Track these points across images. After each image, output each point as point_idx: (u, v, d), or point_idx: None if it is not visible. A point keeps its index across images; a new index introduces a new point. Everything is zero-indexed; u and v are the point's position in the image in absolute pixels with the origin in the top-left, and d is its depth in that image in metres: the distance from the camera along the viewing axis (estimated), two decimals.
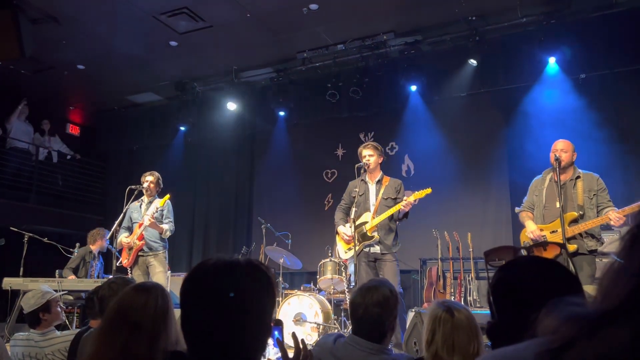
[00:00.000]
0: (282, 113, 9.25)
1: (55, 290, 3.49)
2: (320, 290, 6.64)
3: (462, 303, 6.56)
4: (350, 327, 5.85)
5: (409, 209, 5.03)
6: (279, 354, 1.64)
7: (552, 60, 7.23)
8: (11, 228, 6.86)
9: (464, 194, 8.16)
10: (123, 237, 5.96)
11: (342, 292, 6.46)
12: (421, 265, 7.69)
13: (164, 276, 5.88)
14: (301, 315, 6.11)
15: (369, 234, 5.08)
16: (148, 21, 7.31)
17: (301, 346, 1.62)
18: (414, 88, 8.19)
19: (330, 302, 6.37)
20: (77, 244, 7.32)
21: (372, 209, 5.16)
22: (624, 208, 4.20)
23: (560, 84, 7.41)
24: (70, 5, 6.96)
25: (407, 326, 4.79)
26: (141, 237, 5.84)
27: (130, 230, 6.07)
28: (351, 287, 5.98)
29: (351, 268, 5.72)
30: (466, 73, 7.71)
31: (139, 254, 5.90)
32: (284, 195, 9.48)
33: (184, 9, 7.01)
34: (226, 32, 7.67)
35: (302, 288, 7.04)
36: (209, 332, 1.19)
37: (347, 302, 6.01)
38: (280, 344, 1.58)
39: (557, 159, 4.48)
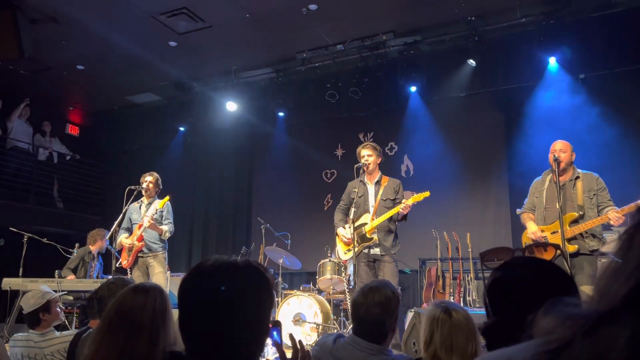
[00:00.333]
0: (281, 113, 9.24)
1: (55, 291, 3.49)
2: (319, 290, 6.64)
3: (461, 303, 6.58)
4: (349, 328, 5.86)
5: (408, 212, 5.04)
6: (277, 355, 1.64)
7: (551, 60, 7.23)
8: (11, 228, 6.86)
9: (463, 194, 8.17)
10: (123, 238, 5.96)
11: (342, 293, 6.46)
12: (420, 265, 7.69)
13: (163, 277, 5.88)
14: (300, 315, 6.11)
15: (368, 235, 5.09)
16: (147, 21, 7.31)
17: (298, 347, 1.62)
18: (413, 88, 8.20)
19: (329, 302, 6.36)
20: (77, 244, 7.32)
21: (372, 210, 5.17)
22: (623, 207, 4.21)
23: (559, 84, 7.41)
24: (69, 6, 6.96)
25: (405, 326, 4.79)
26: (141, 239, 5.84)
27: (129, 231, 6.07)
28: (351, 287, 5.98)
29: (350, 268, 5.72)
30: (465, 73, 7.71)
31: (139, 255, 5.90)
32: (284, 196, 9.48)
33: (183, 9, 7.01)
34: (225, 33, 7.66)
35: (301, 288, 7.04)
36: (207, 333, 1.19)
37: (347, 302, 6.01)
38: (277, 345, 1.58)
39: (556, 160, 4.47)
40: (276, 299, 6.93)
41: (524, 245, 4.75)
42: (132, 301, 1.64)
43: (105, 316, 1.65)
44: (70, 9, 7.03)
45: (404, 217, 5.11)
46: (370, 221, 5.12)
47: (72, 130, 11.38)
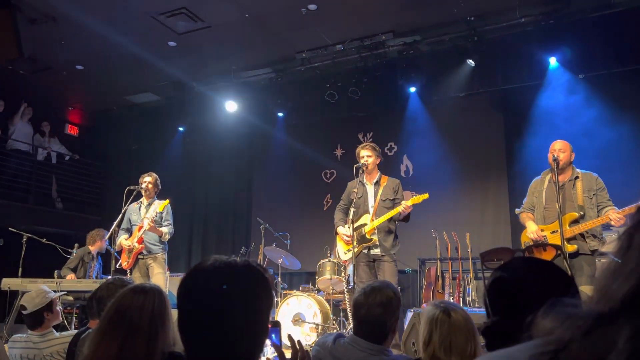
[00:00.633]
0: (280, 113, 9.24)
1: (55, 291, 3.48)
2: (319, 290, 6.64)
3: (461, 303, 6.58)
4: (349, 328, 5.86)
5: (409, 213, 5.04)
6: (275, 354, 1.64)
7: (550, 60, 7.24)
8: (10, 228, 6.86)
9: (463, 194, 8.17)
10: (123, 240, 5.96)
11: (341, 293, 6.46)
12: (420, 265, 7.69)
13: (163, 278, 5.89)
14: (300, 315, 6.11)
15: (367, 236, 5.09)
16: (147, 21, 7.31)
17: (297, 347, 1.62)
18: (412, 89, 8.20)
19: (329, 302, 6.36)
20: (76, 245, 7.32)
21: (371, 210, 5.17)
22: (624, 208, 4.20)
23: (558, 84, 7.42)
24: (68, 6, 6.95)
25: (405, 326, 4.79)
26: (141, 241, 5.85)
27: (129, 232, 6.07)
28: (350, 287, 5.98)
29: (350, 269, 5.72)
30: (465, 73, 7.71)
31: (139, 256, 5.92)
32: (283, 196, 9.48)
33: (182, 9, 7.01)
34: (225, 33, 7.66)
35: (300, 288, 7.04)
36: (207, 333, 1.19)
37: (346, 302, 6.01)
38: (276, 347, 1.58)
39: (555, 160, 4.47)
40: (275, 299, 6.93)
41: (523, 245, 4.75)
42: (131, 302, 1.64)
43: (104, 317, 1.65)
44: (70, 9, 7.02)
45: (406, 217, 5.11)
46: (370, 222, 5.12)
47: (72, 130, 11.38)
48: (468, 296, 6.78)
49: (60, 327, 5.12)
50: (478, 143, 8.19)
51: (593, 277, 4.37)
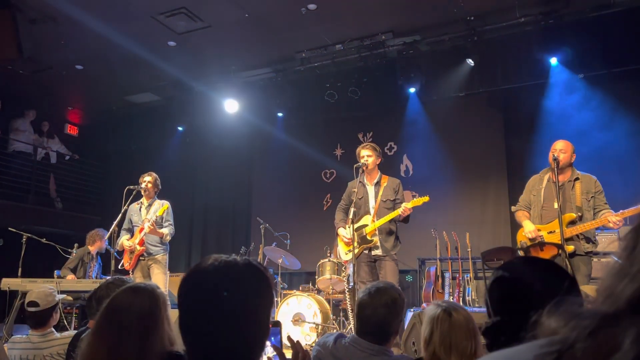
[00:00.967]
0: (280, 113, 9.24)
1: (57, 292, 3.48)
2: (319, 290, 6.64)
3: (461, 303, 6.58)
4: (349, 327, 5.86)
5: (408, 214, 5.04)
6: (276, 353, 1.64)
7: (550, 60, 7.23)
8: (9, 229, 6.85)
9: (463, 193, 8.17)
10: (124, 240, 5.98)
11: (341, 292, 6.46)
12: (420, 264, 7.69)
13: (163, 278, 5.90)
14: (300, 315, 6.11)
15: (368, 237, 5.09)
16: (146, 21, 7.30)
17: (298, 348, 1.61)
18: (412, 89, 8.19)
19: (329, 302, 6.36)
20: (76, 245, 7.32)
21: (372, 211, 5.16)
22: (623, 211, 4.21)
23: (558, 84, 7.42)
24: (68, 6, 6.94)
25: (405, 326, 4.78)
26: (142, 242, 5.88)
27: (131, 232, 6.10)
28: (350, 287, 5.98)
29: (350, 268, 5.72)
30: (464, 73, 7.71)
31: (140, 258, 5.95)
32: (283, 196, 9.48)
33: (182, 9, 7.00)
34: (225, 32, 7.66)
35: (300, 288, 7.04)
36: (207, 333, 1.18)
37: (346, 302, 6.01)
38: (277, 349, 1.58)
39: (556, 159, 4.47)
40: (275, 299, 6.93)
41: (518, 244, 4.74)
42: (121, 301, 1.64)
43: (98, 317, 1.65)
44: (70, 9, 7.02)
45: (406, 219, 5.11)
46: (371, 223, 5.12)
47: (71, 130, 11.38)
48: (468, 296, 6.78)
49: (60, 327, 5.12)
50: (478, 143, 8.20)
51: (589, 276, 4.38)
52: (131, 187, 5.96)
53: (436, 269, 7.10)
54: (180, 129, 10.04)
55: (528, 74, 7.43)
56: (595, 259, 5.49)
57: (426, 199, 5.05)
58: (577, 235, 4.39)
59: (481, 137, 8.20)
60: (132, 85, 9.53)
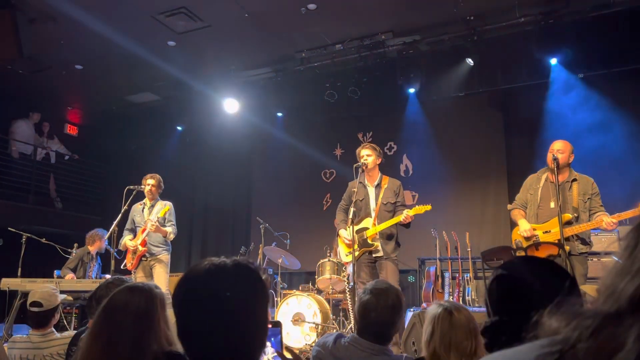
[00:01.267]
0: (280, 113, 9.23)
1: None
2: (318, 290, 6.64)
3: (460, 302, 6.57)
4: (349, 327, 5.86)
5: (410, 221, 5.05)
6: (276, 354, 1.64)
7: (550, 59, 7.23)
8: (9, 229, 6.85)
9: (462, 193, 8.17)
10: (127, 240, 6.03)
11: (341, 292, 6.46)
12: (419, 264, 7.69)
13: (164, 278, 5.92)
14: (300, 315, 6.11)
15: (369, 241, 5.08)
16: (146, 21, 7.30)
17: (297, 355, 1.62)
18: (412, 89, 8.18)
19: (328, 302, 6.36)
20: (76, 244, 7.32)
21: (373, 214, 5.16)
22: (619, 214, 4.21)
23: (558, 84, 7.42)
24: (68, 5, 6.94)
25: (405, 326, 4.78)
26: (144, 243, 5.93)
27: (133, 232, 6.15)
28: (350, 287, 5.98)
29: (350, 268, 5.72)
30: (464, 73, 7.71)
31: (142, 258, 5.99)
32: (283, 195, 9.48)
33: (182, 8, 7.00)
34: (224, 32, 7.65)
35: (300, 288, 7.04)
36: (203, 336, 1.19)
37: (346, 302, 6.01)
38: (279, 353, 1.58)
39: (555, 159, 4.47)
40: (275, 299, 6.93)
41: (513, 243, 4.75)
42: (117, 301, 1.64)
43: (96, 316, 1.65)
44: (69, 9, 7.01)
45: (407, 225, 5.11)
46: (372, 226, 5.11)
47: (71, 130, 11.38)
48: (468, 296, 6.78)
49: (60, 327, 5.12)
50: (477, 143, 8.20)
51: (585, 276, 4.40)
52: (131, 187, 5.98)
53: (436, 268, 7.10)
54: (179, 128, 10.04)
55: (528, 73, 7.43)
56: (595, 259, 5.50)
57: (428, 207, 5.05)
58: (572, 236, 4.40)
59: (481, 137, 8.20)
60: (131, 85, 9.53)
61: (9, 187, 9.55)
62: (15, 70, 8.66)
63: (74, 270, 6.86)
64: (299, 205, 9.28)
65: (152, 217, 5.91)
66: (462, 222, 7.69)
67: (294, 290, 6.74)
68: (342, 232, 5.29)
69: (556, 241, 4.37)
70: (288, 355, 1.65)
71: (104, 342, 1.55)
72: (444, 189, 8.06)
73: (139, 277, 5.92)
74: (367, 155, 5.20)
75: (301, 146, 9.38)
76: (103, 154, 11.28)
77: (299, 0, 6.83)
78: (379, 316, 2.24)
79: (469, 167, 8.19)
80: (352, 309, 5.55)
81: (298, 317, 6.11)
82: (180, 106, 9.69)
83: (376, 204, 5.18)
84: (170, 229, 6.02)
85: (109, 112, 10.71)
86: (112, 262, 5.96)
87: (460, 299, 6.76)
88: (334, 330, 5.88)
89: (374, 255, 5.12)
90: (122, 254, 6.70)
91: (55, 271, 7.04)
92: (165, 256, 6.03)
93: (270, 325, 2.20)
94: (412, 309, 5.99)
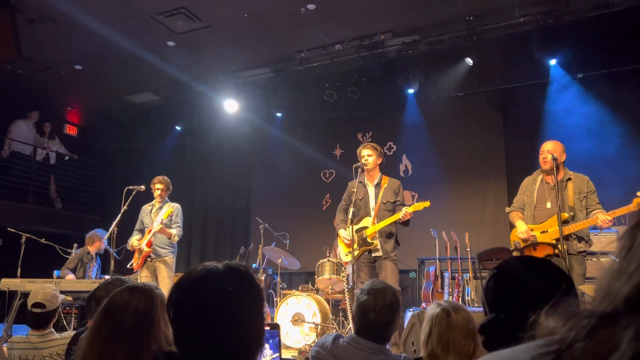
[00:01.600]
0: (279, 113, 9.24)
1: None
2: (318, 290, 6.64)
3: (461, 302, 6.57)
4: (348, 327, 5.86)
5: (409, 219, 5.04)
6: (275, 355, 1.64)
7: (549, 59, 7.23)
8: (9, 229, 6.85)
9: (462, 193, 8.17)
10: (135, 240, 6.09)
11: (340, 292, 6.46)
12: (419, 264, 7.69)
13: (168, 281, 5.95)
14: (299, 315, 6.11)
15: (369, 239, 5.08)
16: (146, 21, 7.30)
17: None
18: (411, 90, 8.17)
19: (328, 302, 6.37)
20: (75, 245, 7.32)
21: (372, 213, 5.16)
22: (614, 210, 4.22)
23: (557, 83, 7.42)
24: (68, 6, 6.94)
25: (404, 326, 4.79)
26: (149, 244, 5.98)
27: (142, 232, 6.22)
28: (349, 287, 5.98)
29: (349, 268, 5.72)
30: (464, 73, 7.71)
31: (147, 258, 6.05)
32: (282, 195, 9.48)
33: (181, 8, 7.00)
34: (224, 32, 7.66)
35: (300, 288, 7.04)
36: (198, 340, 1.20)
37: (346, 302, 6.01)
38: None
39: (555, 159, 4.48)
40: (275, 299, 6.93)
41: (512, 244, 4.76)
42: (117, 301, 1.65)
43: (95, 316, 1.65)
44: (69, 9, 7.01)
45: (406, 222, 5.11)
46: (371, 225, 5.11)
47: (70, 130, 11.38)
48: (467, 296, 6.78)
49: (59, 327, 5.11)
50: (477, 142, 8.20)
51: (584, 275, 4.40)
52: (130, 187, 6.00)
53: (435, 268, 7.10)
54: (179, 128, 10.04)
55: (527, 73, 7.43)
56: (594, 259, 5.51)
57: (427, 204, 5.05)
58: (570, 235, 4.40)
59: (480, 137, 8.20)
60: (131, 85, 9.53)
61: (9, 187, 9.55)
62: (14, 70, 8.65)
63: (73, 271, 6.87)
64: (298, 205, 9.28)
65: (158, 218, 5.98)
66: (462, 222, 7.70)
67: (294, 291, 6.74)
68: (341, 232, 5.30)
69: (553, 241, 4.38)
70: (287, 355, 1.65)
71: (104, 341, 1.55)
72: (443, 189, 8.06)
73: (143, 277, 5.97)
74: (368, 155, 5.20)
75: (301, 146, 9.38)
76: (102, 154, 11.28)
77: (299, 1, 6.83)
78: (377, 316, 2.24)
79: (468, 167, 8.19)
80: (351, 309, 5.55)
81: (297, 317, 6.11)
82: (179, 106, 9.69)
83: (376, 202, 5.18)
84: (175, 231, 6.08)
85: (108, 112, 10.71)
86: (112, 262, 5.96)
87: (460, 299, 6.76)
88: (334, 331, 5.88)
89: (373, 254, 5.12)
90: (122, 254, 6.74)
91: (54, 271, 7.04)
92: (171, 259, 6.10)
93: (268, 328, 2.21)
94: (411, 309, 5.99)
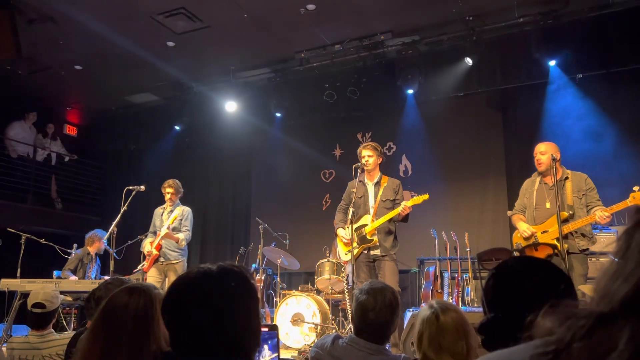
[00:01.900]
0: (279, 113, 9.24)
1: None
2: (318, 290, 6.64)
3: (460, 302, 6.58)
4: (348, 327, 5.86)
5: (408, 213, 5.04)
6: (274, 355, 1.65)
7: (549, 60, 7.23)
8: (8, 229, 6.85)
9: (462, 193, 8.17)
10: (147, 243, 6.18)
11: (340, 293, 6.46)
12: (419, 264, 7.69)
13: None
14: (299, 315, 6.11)
15: (368, 237, 5.08)
16: (145, 21, 7.30)
17: None
18: (411, 90, 8.17)
19: (328, 302, 6.37)
20: (75, 245, 7.32)
21: (372, 211, 5.16)
22: (612, 206, 4.23)
23: (557, 84, 7.43)
24: (67, 6, 6.95)
25: (404, 326, 4.79)
26: (158, 247, 6.05)
27: (155, 235, 6.27)
28: (349, 287, 5.98)
29: (349, 268, 5.72)
30: (463, 73, 7.71)
31: (158, 260, 6.13)
32: (282, 196, 9.48)
33: (181, 9, 7.01)
34: (224, 33, 7.66)
35: (299, 288, 7.04)
36: (193, 341, 1.20)
37: (346, 302, 6.01)
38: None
39: (555, 159, 4.50)
40: (275, 299, 6.93)
41: (514, 245, 4.77)
42: (116, 301, 1.65)
43: (95, 316, 1.65)
44: (68, 9, 7.02)
45: (405, 218, 5.10)
46: (370, 222, 5.12)
47: (70, 130, 11.38)
48: (467, 296, 6.78)
49: (59, 328, 5.12)
50: (476, 143, 8.20)
51: (585, 276, 4.40)
52: (131, 187, 6.00)
53: (435, 269, 7.10)
54: (178, 128, 10.04)
55: (527, 74, 7.44)
56: (593, 259, 5.50)
57: (426, 196, 5.05)
58: (571, 233, 4.40)
59: (480, 137, 8.20)
60: (131, 86, 9.53)
61: (9, 187, 9.55)
62: (14, 70, 8.66)
63: (74, 272, 6.87)
64: (298, 205, 9.28)
65: (166, 222, 6.06)
66: (461, 223, 7.69)
67: (293, 291, 6.74)
68: (340, 231, 5.30)
69: (553, 241, 4.38)
70: (286, 355, 1.65)
71: (103, 342, 1.55)
72: (443, 189, 8.06)
73: (150, 277, 6.04)
74: (369, 156, 5.21)
75: (300, 146, 9.38)
76: (102, 155, 11.27)
77: (298, 1, 6.84)
78: (377, 316, 2.24)
79: (467, 167, 8.19)
80: (350, 310, 5.55)
81: (297, 318, 6.11)
82: (179, 106, 9.69)
83: (375, 201, 5.19)
84: (183, 235, 6.14)
85: (108, 113, 10.72)
86: (112, 262, 5.97)
87: (460, 299, 6.76)
88: (333, 331, 5.88)
89: (372, 253, 5.11)
90: (122, 254, 6.78)
91: (54, 272, 7.04)
92: (180, 264, 6.15)
93: (266, 329, 2.21)
94: (411, 309, 5.99)
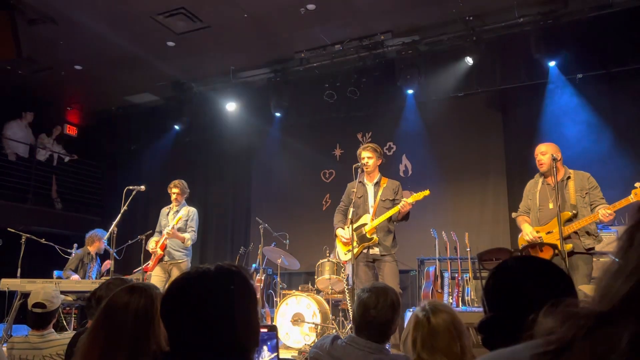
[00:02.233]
0: (279, 113, 9.24)
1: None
2: (318, 290, 6.64)
3: (460, 303, 6.58)
4: (348, 327, 5.86)
5: (408, 211, 5.04)
6: (273, 355, 1.65)
7: (548, 60, 7.23)
8: (8, 229, 6.85)
9: (462, 193, 8.17)
10: (152, 242, 6.20)
11: (340, 292, 6.46)
12: (419, 264, 7.69)
13: None
14: (299, 315, 6.11)
15: (368, 235, 5.09)
16: (145, 21, 7.31)
17: None
18: (411, 90, 8.17)
19: (328, 302, 6.37)
20: (75, 245, 7.32)
21: (371, 210, 5.16)
22: (614, 204, 4.24)
23: (556, 84, 7.43)
24: (67, 6, 6.95)
25: (404, 326, 4.78)
26: (163, 247, 6.09)
27: (161, 234, 6.30)
28: (349, 287, 5.98)
29: (349, 268, 5.72)
30: (463, 73, 7.72)
31: (163, 259, 6.17)
32: (282, 196, 9.47)
33: (181, 9, 7.01)
34: (224, 33, 7.66)
35: (300, 288, 7.04)
36: (191, 341, 1.20)
37: (346, 302, 6.01)
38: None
39: (555, 159, 4.50)
40: (275, 299, 6.93)
41: (520, 247, 4.77)
42: (117, 301, 1.65)
43: (95, 316, 1.65)
44: (69, 9, 7.02)
45: (406, 216, 5.10)
46: (370, 221, 5.12)
47: (70, 130, 11.37)
48: (467, 296, 6.78)
49: (59, 328, 5.12)
50: (476, 143, 8.19)
51: (589, 275, 4.39)
52: (131, 187, 6.00)
53: (435, 269, 7.10)
54: (178, 128, 10.04)
55: (527, 74, 7.44)
56: (594, 259, 5.50)
57: (427, 192, 5.06)
58: (576, 232, 4.40)
59: (480, 137, 8.19)
60: (131, 86, 9.54)
61: (9, 187, 9.55)
62: (14, 70, 8.65)
63: (74, 271, 6.87)
64: (298, 205, 9.28)
65: (171, 222, 6.09)
66: (461, 223, 7.69)
67: (294, 291, 6.74)
68: (339, 231, 5.30)
69: (557, 241, 4.37)
70: (285, 355, 1.65)
71: (104, 342, 1.55)
72: (443, 189, 8.06)
73: (154, 275, 6.09)
74: (368, 158, 5.21)
75: (300, 146, 9.38)
76: (102, 155, 11.27)
77: (298, 1, 6.84)
78: (378, 314, 2.25)
79: (467, 167, 8.19)
80: (351, 309, 5.55)
81: (297, 318, 6.11)
82: (179, 106, 9.68)
83: (375, 200, 5.19)
84: (189, 235, 6.18)
85: (108, 113, 10.72)
86: (112, 262, 5.97)
87: (460, 299, 6.76)
88: (334, 331, 5.89)
89: (371, 252, 5.11)
90: (122, 254, 6.78)
91: (54, 271, 7.04)
92: (185, 263, 6.18)
93: (265, 330, 2.21)
94: (411, 309, 5.99)
